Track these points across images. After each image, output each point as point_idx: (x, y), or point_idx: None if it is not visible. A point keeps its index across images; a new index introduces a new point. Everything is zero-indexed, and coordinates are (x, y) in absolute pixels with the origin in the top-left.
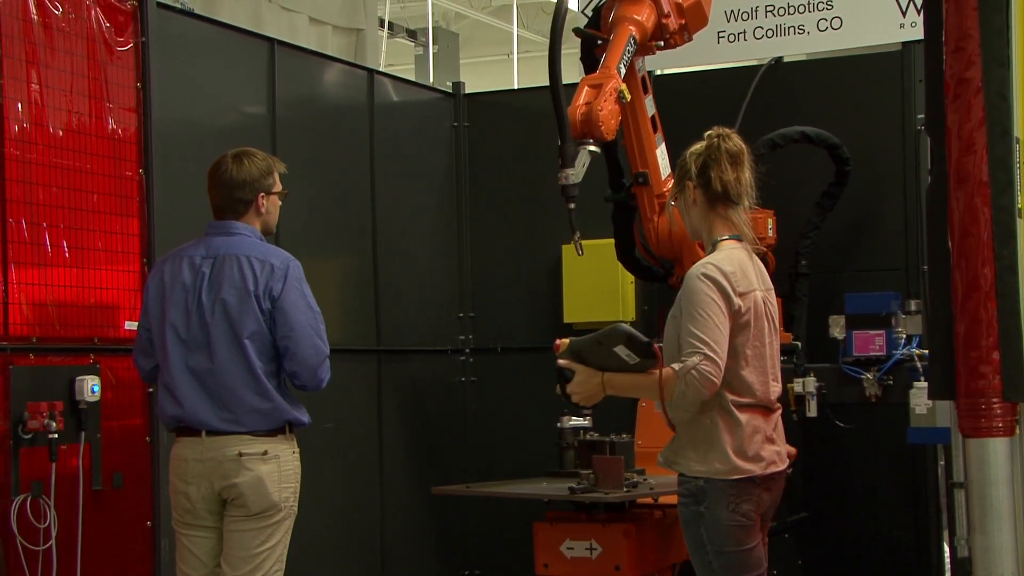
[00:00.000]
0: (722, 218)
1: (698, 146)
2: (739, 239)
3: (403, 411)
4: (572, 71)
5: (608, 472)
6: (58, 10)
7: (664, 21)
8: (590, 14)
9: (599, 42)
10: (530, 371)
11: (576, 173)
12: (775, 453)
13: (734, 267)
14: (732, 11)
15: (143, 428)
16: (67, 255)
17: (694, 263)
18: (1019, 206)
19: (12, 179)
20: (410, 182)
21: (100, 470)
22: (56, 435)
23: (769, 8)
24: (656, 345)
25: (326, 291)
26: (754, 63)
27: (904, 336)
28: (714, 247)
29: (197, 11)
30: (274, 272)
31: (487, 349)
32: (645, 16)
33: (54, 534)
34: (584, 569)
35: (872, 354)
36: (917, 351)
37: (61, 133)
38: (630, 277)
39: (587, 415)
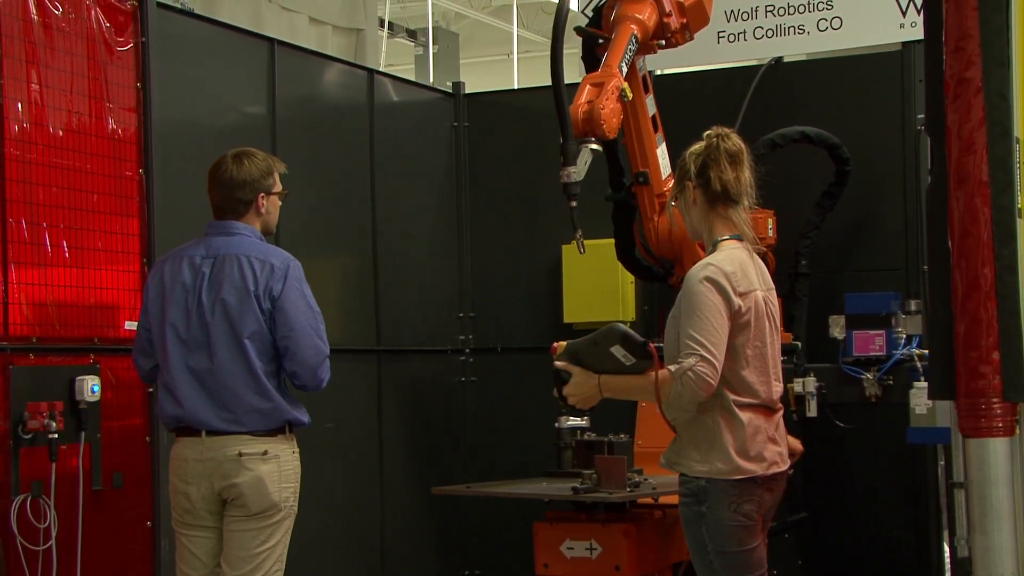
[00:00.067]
0: (722, 218)
1: (697, 146)
2: (740, 239)
3: (403, 411)
4: (572, 71)
5: (611, 472)
6: (58, 10)
7: (666, 20)
8: (590, 14)
9: (600, 41)
10: (530, 371)
11: (578, 171)
12: (777, 454)
13: (735, 267)
14: (732, 11)
15: (143, 428)
16: (67, 255)
17: (694, 263)
18: (1019, 206)
19: (12, 179)
20: (410, 182)
21: (100, 470)
22: (56, 435)
23: (769, 8)
24: (652, 345)
25: (326, 291)
26: (754, 63)
27: (904, 336)
28: (714, 247)
29: (197, 11)
30: (274, 272)
31: (487, 349)
32: (647, 15)
33: (54, 534)
34: (584, 569)
35: (872, 354)
36: (917, 351)
37: (61, 133)
38: (630, 277)
39: (585, 415)
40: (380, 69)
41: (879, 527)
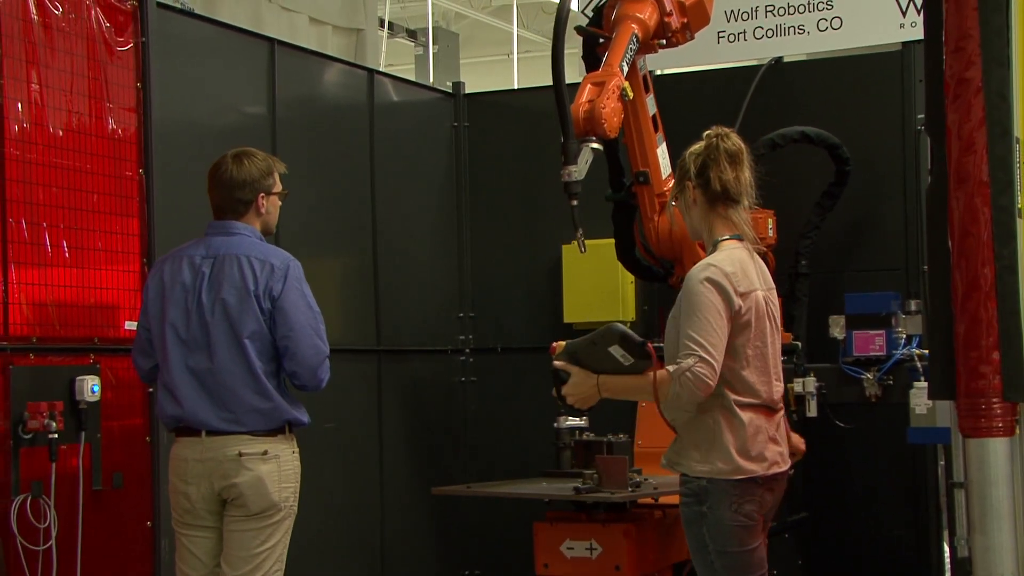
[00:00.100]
0: (722, 218)
1: (697, 146)
2: (740, 239)
3: (403, 411)
4: (573, 70)
5: (612, 472)
6: (58, 10)
7: (666, 19)
8: (590, 14)
9: (601, 40)
10: (530, 371)
11: (579, 170)
12: (778, 454)
13: (735, 267)
14: (732, 11)
15: (143, 428)
16: (67, 255)
17: (694, 263)
18: (1019, 206)
19: (12, 179)
20: (410, 182)
21: (100, 470)
22: (56, 435)
23: (769, 8)
24: (650, 346)
25: (326, 291)
26: (754, 63)
27: (904, 336)
28: (715, 247)
29: (197, 11)
30: (274, 272)
31: (487, 349)
32: (647, 14)
33: (54, 534)
34: (584, 569)
35: (872, 354)
36: (917, 351)
37: (61, 133)
38: (630, 277)
39: (583, 415)
40: (380, 69)
41: (879, 527)
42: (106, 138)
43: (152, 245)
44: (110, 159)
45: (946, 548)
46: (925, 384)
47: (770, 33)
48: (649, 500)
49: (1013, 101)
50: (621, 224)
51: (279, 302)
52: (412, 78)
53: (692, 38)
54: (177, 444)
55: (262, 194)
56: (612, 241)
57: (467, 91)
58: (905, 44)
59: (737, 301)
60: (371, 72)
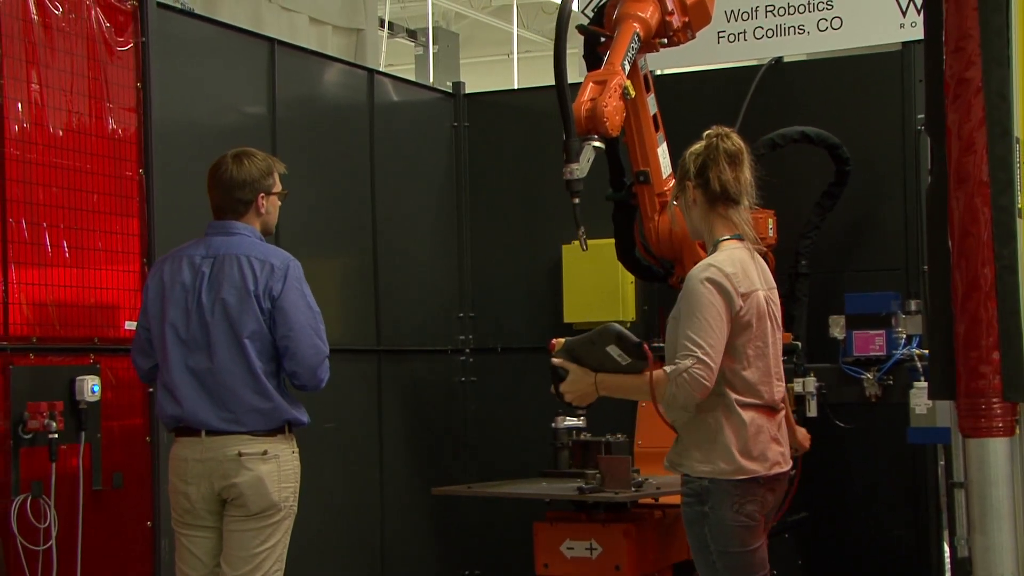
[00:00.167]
0: (723, 218)
1: (697, 146)
2: (740, 239)
3: (403, 411)
4: (574, 70)
5: (615, 472)
6: (58, 10)
7: (668, 18)
8: (591, 14)
9: (602, 39)
10: (530, 371)
11: (581, 168)
12: (780, 454)
13: (735, 268)
14: (732, 11)
15: (143, 428)
16: (67, 255)
17: (695, 263)
18: (1019, 206)
19: (12, 179)
20: (410, 182)
21: (100, 470)
22: (56, 435)
23: (769, 8)
24: (647, 347)
25: (326, 291)
26: (754, 63)
27: (904, 336)
28: (715, 247)
29: (197, 11)
30: (274, 272)
31: (487, 349)
32: (649, 13)
33: (54, 534)
34: (584, 569)
35: (872, 354)
36: (917, 351)
37: (61, 133)
38: (630, 277)
39: (581, 415)
40: (380, 69)
41: (879, 527)
42: (106, 138)
43: (152, 245)
44: (110, 159)
45: (946, 548)
46: (925, 384)
47: (770, 33)
48: (649, 500)
49: (1013, 101)
50: (621, 224)
51: (279, 302)
52: (412, 78)
53: (693, 37)
54: (177, 444)
55: (262, 194)
56: (612, 241)
57: (467, 91)
58: (905, 44)
59: (738, 302)
60: (371, 72)
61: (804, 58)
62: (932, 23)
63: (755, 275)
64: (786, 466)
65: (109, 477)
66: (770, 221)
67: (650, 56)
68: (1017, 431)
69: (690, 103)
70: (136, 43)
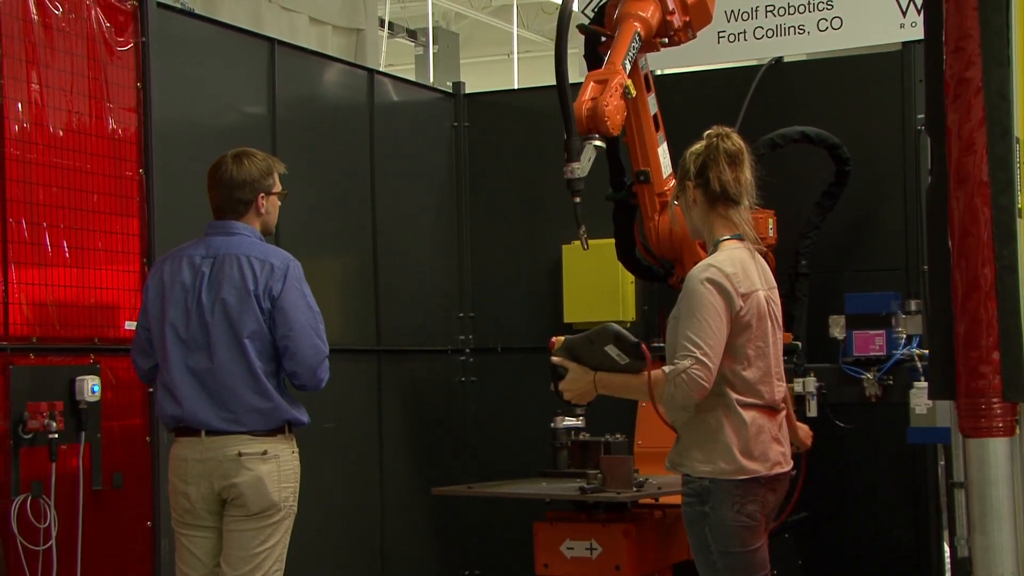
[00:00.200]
0: (723, 218)
1: (697, 146)
2: (741, 239)
3: (403, 411)
4: (574, 69)
5: (617, 472)
6: (58, 10)
7: (668, 18)
8: (591, 14)
9: (603, 39)
10: (530, 371)
11: (582, 167)
12: (780, 454)
13: (736, 268)
14: (732, 11)
15: (143, 428)
16: (67, 255)
17: (695, 263)
18: (1019, 206)
19: (12, 179)
20: (410, 182)
21: (100, 470)
22: (56, 435)
23: (769, 8)
24: (645, 347)
25: (326, 291)
26: (754, 63)
27: (904, 336)
28: (715, 247)
29: (197, 11)
30: (274, 272)
31: (487, 349)
32: (650, 13)
33: (54, 534)
34: (584, 569)
35: (872, 354)
36: (917, 351)
37: (61, 133)
38: (630, 277)
39: (580, 414)
40: (380, 69)
41: (879, 527)
42: (106, 138)
43: (152, 245)
44: (110, 159)
45: (946, 548)
46: (925, 384)
47: (770, 33)
48: (649, 500)
49: (1013, 101)
50: (621, 224)
51: (279, 302)
52: (412, 78)
53: (694, 36)
54: (177, 444)
55: (262, 194)
56: (612, 241)
57: (467, 91)
58: (905, 44)
59: (738, 302)
60: (371, 72)
61: (804, 58)
62: (932, 23)
63: (755, 275)
64: (787, 466)
65: (109, 477)
66: (770, 221)
67: (650, 56)
68: (1017, 431)
69: (690, 103)
70: (136, 43)
